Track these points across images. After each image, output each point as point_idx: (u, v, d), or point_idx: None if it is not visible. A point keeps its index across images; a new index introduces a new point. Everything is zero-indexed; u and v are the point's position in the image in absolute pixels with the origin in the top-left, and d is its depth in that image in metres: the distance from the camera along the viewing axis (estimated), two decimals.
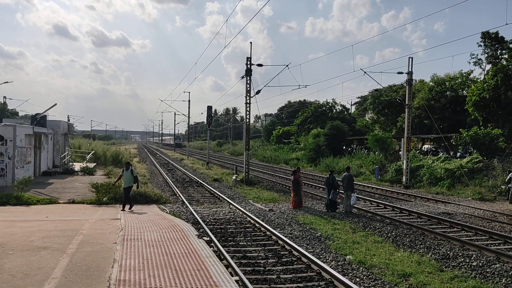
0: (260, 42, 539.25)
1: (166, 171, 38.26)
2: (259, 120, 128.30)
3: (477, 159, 26.78)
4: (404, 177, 27.95)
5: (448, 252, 11.15)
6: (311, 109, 65.00)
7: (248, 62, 28.61)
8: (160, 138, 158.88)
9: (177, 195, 22.11)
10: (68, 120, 56.31)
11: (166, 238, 11.17)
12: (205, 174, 35.26)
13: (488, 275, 9.43)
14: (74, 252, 9.42)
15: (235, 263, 9.47)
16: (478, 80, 38.46)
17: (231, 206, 18.62)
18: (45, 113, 30.21)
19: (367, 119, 61.24)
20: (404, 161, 28.01)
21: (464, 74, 42.76)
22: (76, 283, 7.31)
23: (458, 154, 33.32)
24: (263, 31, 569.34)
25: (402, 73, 28.56)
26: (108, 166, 35.04)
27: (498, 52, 37.63)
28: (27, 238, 10.61)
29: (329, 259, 10.34)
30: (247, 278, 8.38)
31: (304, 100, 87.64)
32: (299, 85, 30.44)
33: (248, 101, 29.06)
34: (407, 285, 8.62)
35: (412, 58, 27.66)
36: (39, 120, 28.33)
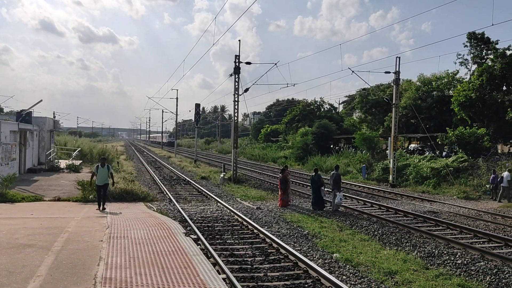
0: (249, 40, 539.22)
1: (153, 169, 38.02)
2: (248, 118, 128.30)
3: (462, 159, 27.14)
4: (390, 176, 28.19)
5: (434, 250, 11.28)
6: (299, 108, 65.26)
7: (237, 60, 28.56)
8: (148, 136, 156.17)
9: (164, 193, 22.00)
10: (54, 117, 55.50)
11: (153, 236, 11.10)
12: (193, 172, 35.16)
13: (472, 273, 9.56)
14: (59, 250, 9.31)
15: (223, 261, 9.45)
16: (464, 80, 38.88)
17: (218, 204, 18.60)
18: (30, 110, 29.86)
19: (355, 118, 61.61)
20: (391, 160, 28.27)
21: (450, 74, 43.17)
22: (61, 281, 7.23)
23: (444, 153, 33.77)
24: (252, 29, 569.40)
25: (389, 72, 28.85)
26: (95, 163, 34.51)
27: (483, 53, 37.98)
28: (12, 236, 10.46)
29: (316, 257, 10.38)
30: (234, 276, 8.37)
31: (293, 99, 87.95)
32: (287, 84, 30.38)
33: (236, 99, 29.01)
34: (393, 283, 8.70)
35: (399, 57, 28.04)
36: (24, 116, 28.00)
